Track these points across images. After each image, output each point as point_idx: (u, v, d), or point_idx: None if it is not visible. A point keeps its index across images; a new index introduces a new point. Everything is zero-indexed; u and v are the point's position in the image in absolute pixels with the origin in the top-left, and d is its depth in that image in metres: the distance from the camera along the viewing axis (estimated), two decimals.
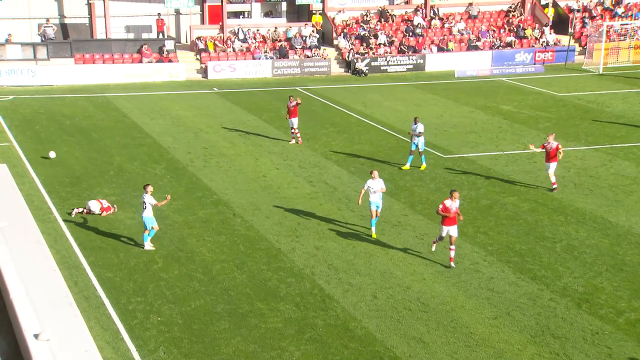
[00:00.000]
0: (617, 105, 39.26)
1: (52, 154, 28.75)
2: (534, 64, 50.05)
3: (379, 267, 19.78)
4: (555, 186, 25.32)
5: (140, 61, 45.04)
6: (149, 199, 20.06)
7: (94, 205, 22.86)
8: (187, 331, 16.35)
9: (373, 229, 21.59)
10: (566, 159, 29.67)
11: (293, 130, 30.59)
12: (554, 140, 25.10)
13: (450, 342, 16.02)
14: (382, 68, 48.25)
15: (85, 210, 22.81)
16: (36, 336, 5.87)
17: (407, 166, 27.52)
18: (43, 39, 44.79)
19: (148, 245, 20.28)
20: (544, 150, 25.30)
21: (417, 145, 27.37)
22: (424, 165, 27.54)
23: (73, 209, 22.97)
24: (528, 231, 22.41)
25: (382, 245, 21.17)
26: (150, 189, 20.28)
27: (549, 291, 18.49)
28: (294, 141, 30.49)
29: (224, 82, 44.64)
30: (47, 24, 45.24)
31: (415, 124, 27.28)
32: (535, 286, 18.75)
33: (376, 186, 21.35)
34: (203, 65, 46.23)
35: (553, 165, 25.06)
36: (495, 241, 21.56)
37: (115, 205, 23.33)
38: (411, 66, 48.76)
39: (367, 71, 47.61)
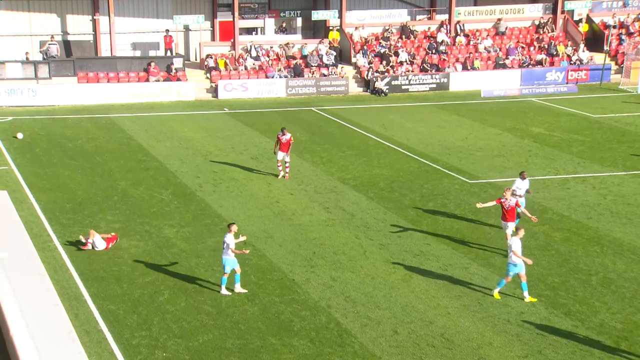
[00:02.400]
0: None
1: (20, 135, 29.51)
2: (567, 83, 50.02)
3: (399, 300, 19.71)
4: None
5: (147, 80, 45.52)
6: (229, 239, 19.61)
7: (100, 243, 22.65)
8: None
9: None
10: (602, 186, 29.52)
11: (280, 164, 29.60)
12: (512, 196, 22.45)
13: None
14: (403, 87, 48.43)
15: (89, 246, 22.62)
16: None
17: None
18: (45, 56, 45.48)
19: (224, 290, 19.84)
20: (498, 204, 22.41)
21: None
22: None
23: (79, 244, 22.83)
24: (561, 263, 22.24)
25: (403, 276, 21.10)
26: (234, 228, 19.71)
27: (584, 328, 18.30)
28: (281, 174, 29.57)
29: (235, 102, 44.94)
30: (51, 40, 45.94)
31: (523, 179, 24.16)
32: (570, 322, 18.57)
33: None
34: (213, 85, 46.63)
35: (511, 226, 22.06)
36: (526, 273, 21.39)
37: (116, 234, 23.35)
38: (434, 85, 48.91)
39: (387, 91, 47.81)
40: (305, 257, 22.19)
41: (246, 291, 19.86)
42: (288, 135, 29.20)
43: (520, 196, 23.87)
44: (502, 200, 22.24)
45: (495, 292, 19.90)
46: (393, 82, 48.24)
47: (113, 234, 23.28)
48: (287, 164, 29.69)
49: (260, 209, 26.56)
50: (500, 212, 22.89)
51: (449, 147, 35.32)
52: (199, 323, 18.31)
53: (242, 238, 20.36)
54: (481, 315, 18.88)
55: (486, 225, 25.18)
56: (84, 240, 22.70)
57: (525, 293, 19.68)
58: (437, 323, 18.46)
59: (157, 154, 33.53)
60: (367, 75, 48.73)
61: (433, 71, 49.28)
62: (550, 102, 45.77)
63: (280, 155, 29.43)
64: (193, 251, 22.78)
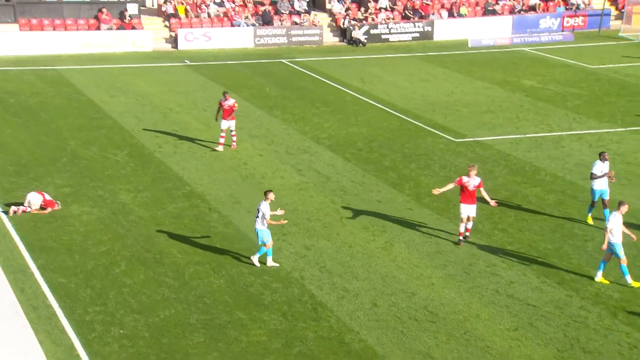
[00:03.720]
0: None
1: None
2: (562, 31, 50.11)
3: (379, 270, 19.83)
4: (462, 238, 21.02)
5: (98, 28, 44.83)
6: (265, 208, 19.37)
7: (35, 198, 22.51)
8: (154, 346, 16.35)
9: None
10: (600, 143, 29.77)
11: (232, 133, 28.34)
12: (477, 175, 21.01)
13: (462, 358, 16.09)
14: (382, 37, 48.21)
15: (23, 208, 22.45)
16: None
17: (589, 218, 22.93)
18: None
19: (256, 261, 19.79)
20: (458, 187, 21.02)
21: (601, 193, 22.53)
22: (589, 217, 22.97)
23: (11, 207, 22.70)
24: (554, 228, 22.49)
25: (383, 244, 21.22)
26: (271, 196, 19.52)
27: (579, 298, 18.58)
28: (221, 147, 28.06)
29: (197, 54, 44.48)
30: None
31: (604, 161, 22.32)
32: (563, 292, 18.84)
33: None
34: (172, 34, 46.06)
35: (472, 209, 20.88)
36: (515, 239, 21.64)
37: (59, 202, 23.14)
38: (417, 35, 48.75)
39: (365, 41, 47.57)
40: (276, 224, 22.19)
41: (278, 265, 19.79)
42: (232, 101, 27.86)
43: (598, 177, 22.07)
44: (465, 180, 20.72)
45: (601, 278, 19.17)
46: (372, 31, 47.97)
47: (51, 199, 22.89)
48: (233, 133, 28.38)
49: (226, 172, 26.47)
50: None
51: (433, 102, 35.33)
52: (159, 297, 18.31)
53: (280, 212, 19.94)
54: (468, 285, 19.08)
55: None
56: (17, 210, 22.40)
57: (599, 273, 19.23)
58: (420, 294, 18.63)
59: (110, 111, 33.17)
60: (343, 24, 48.38)
61: (416, 19, 49.06)
62: (544, 52, 45.89)
63: (225, 123, 27.99)
64: (152, 218, 22.69)
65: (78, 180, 25.49)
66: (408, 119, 32.74)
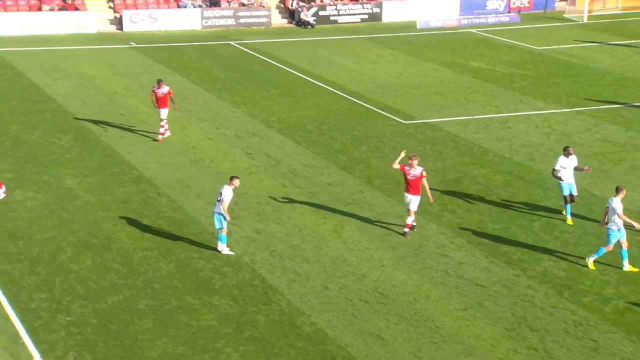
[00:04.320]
0: (603, 60, 40.14)
1: None
2: (509, 12, 50.68)
3: (330, 252, 19.92)
4: (409, 229, 20.80)
5: (40, 9, 43.95)
6: (227, 193, 19.10)
7: None
8: (102, 332, 16.22)
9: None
10: (546, 124, 30.26)
11: (161, 123, 27.38)
12: (419, 165, 20.48)
13: (413, 339, 16.28)
14: (331, 18, 48.15)
15: None
16: None
17: (569, 219, 21.93)
18: None
19: (226, 250, 19.57)
20: (402, 172, 20.68)
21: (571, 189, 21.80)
22: (569, 220, 21.98)
23: None
24: (502, 208, 22.83)
25: (334, 227, 21.30)
26: (236, 182, 19.33)
27: (526, 277, 18.92)
28: (162, 136, 27.42)
29: (143, 36, 43.92)
30: None
31: (568, 155, 21.67)
32: (511, 272, 19.17)
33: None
34: (117, 15, 45.38)
35: (415, 200, 20.45)
36: (464, 220, 21.92)
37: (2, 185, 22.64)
38: (366, 16, 48.81)
39: (314, 22, 47.46)
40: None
41: (233, 253, 19.64)
42: (166, 89, 26.83)
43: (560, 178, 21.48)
44: (406, 168, 20.29)
45: (590, 262, 19.10)
46: (320, 13, 47.87)
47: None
48: (164, 122, 27.25)
49: (174, 156, 26.26)
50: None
51: (383, 84, 35.47)
52: (107, 283, 18.15)
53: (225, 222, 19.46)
54: (418, 267, 19.28)
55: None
56: None
57: (625, 262, 19.00)
58: (370, 276, 18.77)
59: (54, 94, 32.64)
60: (291, 5, 48.18)
61: (364, 0, 49.08)
62: (491, 34, 46.36)
63: (163, 112, 27.17)
64: (99, 203, 22.43)
65: (21, 165, 25.04)
66: (358, 101, 32.83)
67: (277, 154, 26.73)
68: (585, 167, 21.99)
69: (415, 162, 20.29)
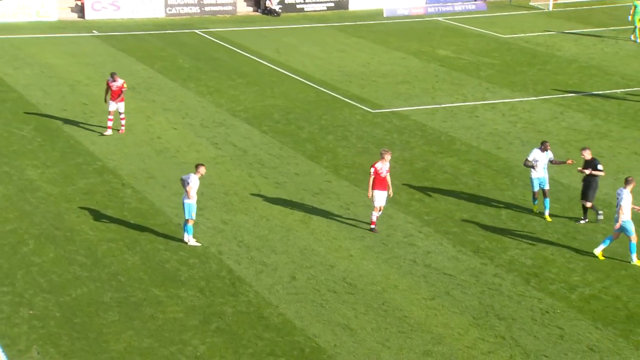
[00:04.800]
0: (569, 48, 40.52)
1: None
2: (475, 0, 50.90)
3: (297, 243, 19.91)
4: (374, 227, 20.49)
5: None
6: (193, 181, 18.99)
7: None
8: (66, 326, 16.08)
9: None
10: (512, 112, 30.49)
11: (120, 116, 26.79)
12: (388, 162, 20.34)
13: (381, 328, 16.35)
14: (297, 6, 47.99)
15: None
16: None
17: (547, 215, 21.64)
18: None
19: (192, 241, 19.40)
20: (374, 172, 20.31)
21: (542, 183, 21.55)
22: (547, 217, 21.61)
23: None
24: (470, 197, 22.98)
25: (302, 217, 21.29)
26: (202, 170, 19.18)
27: (494, 266, 19.09)
28: (110, 131, 26.59)
29: (105, 24, 43.44)
30: None
31: (543, 150, 21.44)
32: (478, 260, 19.32)
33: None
34: (79, 3, 44.78)
35: (384, 197, 20.29)
36: (432, 209, 22.02)
37: None
38: (332, 4, 48.71)
39: (280, 10, 47.27)
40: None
41: (200, 244, 19.52)
42: (120, 81, 26.33)
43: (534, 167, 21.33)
44: (379, 167, 20.01)
45: (599, 252, 19.17)
46: (286, 1, 47.68)
47: None
48: (122, 116, 26.77)
49: (139, 146, 26.05)
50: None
51: (350, 73, 35.47)
52: (71, 276, 17.98)
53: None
54: (386, 256, 19.35)
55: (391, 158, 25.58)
56: None
57: (634, 256, 19.04)
58: (338, 267, 18.80)
59: (14, 84, 32.17)
60: None
61: None
62: (457, 22, 46.55)
63: (113, 105, 26.46)
64: (62, 195, 22.20)
65: None
66: (325, 90, 32.80)
67: (243, 143, 26.63)
68: (568, 161, 21.99)
69: (388, 157, 20.16)
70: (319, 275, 18.38)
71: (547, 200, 21.57)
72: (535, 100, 32.20)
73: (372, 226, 20.54)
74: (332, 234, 20.43)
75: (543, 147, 21.39)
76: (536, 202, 21.85)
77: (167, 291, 17.49)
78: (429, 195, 22.81)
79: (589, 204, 21.00)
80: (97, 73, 34.00)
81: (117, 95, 26.47)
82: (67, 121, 28.12)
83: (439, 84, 34.03)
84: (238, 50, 38.84)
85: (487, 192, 23.30)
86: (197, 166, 19.42)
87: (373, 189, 20.18)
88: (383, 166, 20.12)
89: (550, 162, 21.67)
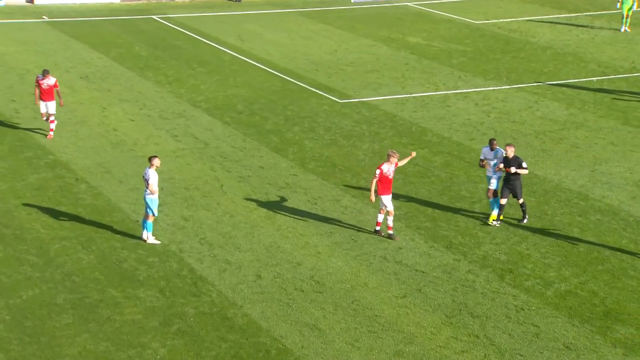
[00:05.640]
0: (543, 35, 40.91)
1: None
2: None
3: (263, 240, 19.90)
4: (379, 228, 20.28)
5: None
6: (151, 175, 18.78)
7: None
8: (16, 329, 15.92)
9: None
10: (485, 102, 30.70)
11: (50, 118, 25.49)
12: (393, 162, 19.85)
13: (351, 328, 16.40)
14: None
15: None
16: None
17: (494, 215, 21.14)
18: None
19: (151, 239, 19.27)
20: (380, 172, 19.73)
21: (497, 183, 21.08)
22: (494, 215, 21.23)
23: None
24: (442, 190, 23.12)
25: (267, 213, 21.27)
26: (156, 162, 18.95)
27: (467, 262, 19.23)
28: (52, 134, 25.62)
29: (56, 9, 42.99)
30: None
31: (492, 149, 20.94)
32: (451, 256, 19.45)
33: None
34: None
35: (390, 200, 19.87)
36: (403, 204, 22.12)
37: None
38: None
39: None
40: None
41: (159, 242, 19.43)
42: (52, 80, 25.15)
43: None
44: (385, 170, 19.57)
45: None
46: None
47: None
48: (52, 119, 25.45)
49: (93, 139, 25.85)
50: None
51: (316, 61, 35.47)
52: (21, 276, 17.80)
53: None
54: (355, 253, 19.41)
55: (359, 150, 25.69)
56: None
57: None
58: (305, 264, 18.82)
59: None
60: None
61: None
62: (428, 7, 46.75)
63: (43, 106, 25.33)
64: (11, 191, 21.98)
65: None
66: (290, 79, 32.76)
67: (205, 135, 26.53)
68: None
69: (394, 159, 19.64)
70: (286, 273, 18.39)
71: (494, 201, 21.00)
72: (509, 88, 32.46)
73: (377, 227, 20.14)
74: (299, 230, 20.44)
75: (491, 146, 20.81)
76: (492, 202, 21.17)
77: (125, 292, 17.39)
78: (400, 189, 22.89)
79: (521, 200, 20.84)
80: (47, 61, 33.62)
81: (47, 94, 25.22)
82: (16, 113, 27.81)
83: (410, 73, 34.16)
84: (198, 37, 38.65)
85: (460, 185, 23.45)
86: (150, 159, 19.26)
87: (378, 193, 19.63)
88: (390, 168, 19.71)
89: (495, 165, 20.72)
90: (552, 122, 28.72)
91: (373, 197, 19.76)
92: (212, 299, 17.27)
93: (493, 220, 20.97)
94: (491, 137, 22.00)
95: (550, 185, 23.36)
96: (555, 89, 32.49)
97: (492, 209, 21.03)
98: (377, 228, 20.30)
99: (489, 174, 21.08)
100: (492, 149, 20.90)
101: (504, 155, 20.75)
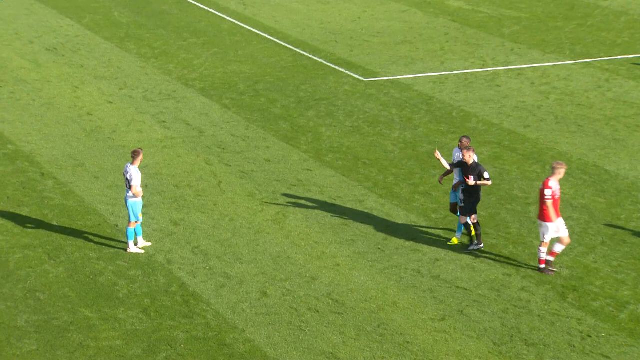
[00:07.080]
0: None
1: None
2: None
3: (270, 249, 19.95)
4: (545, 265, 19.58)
5: None
6: (134, 173, 18.96)
7: None
8: None
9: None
10: (544, 81, 30.61)
11: None
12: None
13: (377, 357, 16.41)
14: None
15: None
16: None
17: (456, 239, 20.54)
18: None
19: (132, 247, 19.49)
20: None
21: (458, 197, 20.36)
22: (456, 239, 20.61)
23: None
24: (489, 189, 23.08)
25: (274, 216, 21.32)
26: (140, 157, 19.16)
27: (520, 277, 19.18)
28: None
29: None
30: None
31: (463, 148, 20.11)
32: (501, 270, 19.40)
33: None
34: None
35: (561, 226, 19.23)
36: (441, 205, 22.10)
37: None
38: None
39: None
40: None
41: (143, 251, 19.63)
42: None
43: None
44: (555, 186, 18.75)
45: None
46: None
47: None
48: None
49: (63, 125, 26.02)
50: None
51: (336, 31, 35.48)
52: None
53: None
54: (382, 265, 19.41)
55: (387, 140, 25.69)
56: None
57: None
58: (322, 279, 18.84)
59: None
60: None
61: None
62: None
63: None
64: None
65: None
66: (304, 53, 32.80)
67: (199, 121, 26.63)
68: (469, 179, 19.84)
69: (563, 171, 19.03)
70: (297, 290, 18.42)
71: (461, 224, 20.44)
72: (573, 64, 32.35)
73: (541, 266, 19.26)
74: (314, 236, 20.47)
75: (461, 145, 20.07)
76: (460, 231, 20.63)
77: (101, 312, 17.47)
78: (437, 188, 22.88)
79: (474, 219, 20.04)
80: (7, 30, 33.86)
81: None
82: None
83: (450, 45, 34.11)
84: (191, 1, 38.74)
85: (512, 182, 23.40)
86: (133, 154, 19.27)
87: (546, 221, 18.84)
88: (556, 184, 18.90)
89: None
90: (627, 106, 28.60)
91: (554, 219, 18.74)
92: (207, 320, 17.33)
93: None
94: (463, 135, 21.18)
95: (625, 183, 23.24)
96: (631, 64, 32.34)
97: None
98: (543, 266, 19.26)
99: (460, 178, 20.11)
100: (463, 149, 19.96)
101: (461, 160, 19.89)
